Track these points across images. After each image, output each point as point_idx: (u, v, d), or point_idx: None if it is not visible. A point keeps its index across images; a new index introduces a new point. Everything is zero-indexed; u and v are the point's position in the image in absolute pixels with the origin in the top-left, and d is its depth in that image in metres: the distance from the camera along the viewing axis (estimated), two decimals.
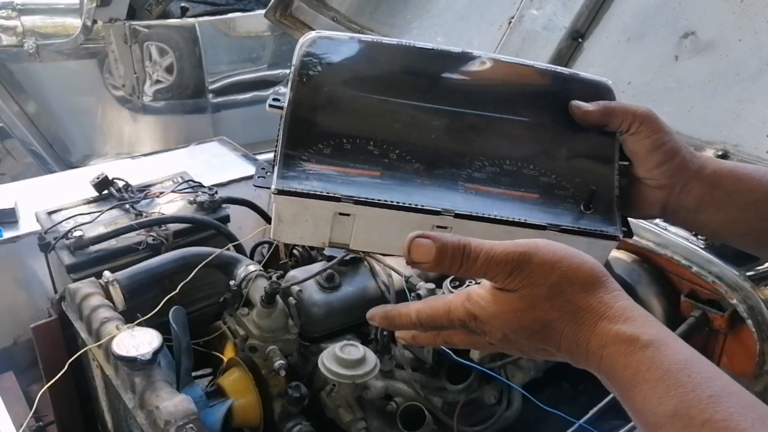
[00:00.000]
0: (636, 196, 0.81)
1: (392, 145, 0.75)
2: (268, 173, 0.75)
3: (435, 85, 0.79)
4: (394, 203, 0.72)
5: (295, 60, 0.78)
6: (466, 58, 0.81)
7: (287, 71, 0.79)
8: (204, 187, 2.04)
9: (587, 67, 1.71)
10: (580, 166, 0.79)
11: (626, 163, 0.81)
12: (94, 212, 1.86)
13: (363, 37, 0.80)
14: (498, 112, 0.79)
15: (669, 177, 0.78)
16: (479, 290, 0.65)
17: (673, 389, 0.53)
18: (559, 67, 0.84)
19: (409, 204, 0.72)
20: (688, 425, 0.52)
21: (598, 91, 0.82)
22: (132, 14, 3.91)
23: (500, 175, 0.77)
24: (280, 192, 0.71)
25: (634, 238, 1.57)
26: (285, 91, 0.77)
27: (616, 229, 0.77)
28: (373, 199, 0.72)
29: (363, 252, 1.60)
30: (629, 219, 0.81)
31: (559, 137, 0.80)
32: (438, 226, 0.74)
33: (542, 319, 0.61)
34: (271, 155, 0.78)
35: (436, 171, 0.75)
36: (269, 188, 0.73)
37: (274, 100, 0.77)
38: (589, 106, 0.78)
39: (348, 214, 0.73)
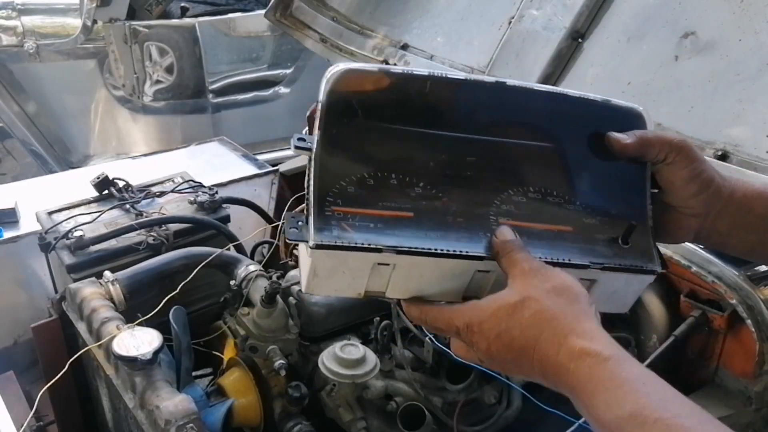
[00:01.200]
0: (670, 224, 0.81)
1: (421, 179, 0.73)
2: (300, 223, 0.70)
3: (465, 116, 0.76)
4: (438, 251, 0.70)
5: (321, 96, 0.73)
6: (497, 87, 0.78)
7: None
8: (204, 187, 2.04)
9: (587, 67, 1.71)
10: (612, 195, 0.78)
11: (656, 191, 0.80)
12: (95, 212, 1.86)
13: (392, 69, 0.75)
14: (527, 140, 0.78)
15: (704, 205, 0.78)
16: (485, 299, 0.72)
17: (629, 395, 0.62)
18: (591, 95, 0.82)
19: (453, 251, 0.70)
20: (642, 424, 0.59)
21: (630, 118, 0.81)
22: (132, 14, 3.91)
23: (532, 206, 0.75)
24: (319, 246, 0.68)
25: None
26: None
27: (655, 263, 0.77)
28: (416, 248, 0.69)
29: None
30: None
31: (590, 166, 0.79)
32: (479, 271, 0.73)
33: (524, 323, 0.68)
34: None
35: (468, 205, 0.73)
36: (306, 242, 0.68)
37: (300, 140, 0.72)
38: (626, 139, 0.78)
39: (387, 264, 0.71)
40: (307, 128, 0.76)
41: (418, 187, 0.73)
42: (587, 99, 0.81)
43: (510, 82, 0.78)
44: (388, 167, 0.72)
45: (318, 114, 0.72)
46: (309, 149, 0.71)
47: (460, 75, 0.77)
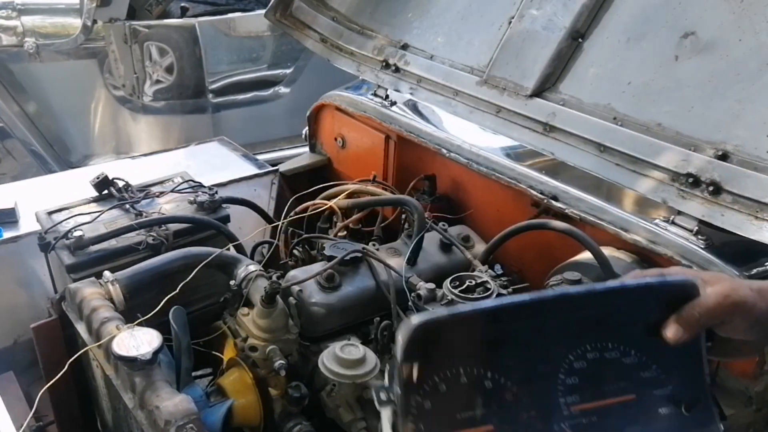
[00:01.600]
0: (734, 349, 0.87)
1: (488, 369, 0.75)
2: None
3: (531, 322, 0.79)
4: None
5: (399, 353, 0.72)
6: (561, 299, 0.79)
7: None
8: (204, 187, 2.04)
9: (587, 67, 1.71)
10: (668, 360, 0.81)
11: (709, 344, 0.84)
12: (94, 212, 1.86)
13: (461, 310, 0.76)
14: (585, 315, 0.80)
15: (765, 333, 0.82)
16: None
17: None
18: (648, 279, 0.84)
19: None
20: None
21: (684, 292, 0.83)
22: (132, 14, 3.92)
23: (593, 371, 0.78)
24: None
25: (634, 237, 1.57)
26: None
27: (717, 426, 0.81)
28: None
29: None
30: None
31: (645, 337, 0.81)
32: None
33: None
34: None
35: (537, 390, 0.76)
36: None
37: (382, 391, 0.73)
38: (683, 336, 0.80)
39: None
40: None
41: (487, 379, 0.74)
42: (646, 285, 0.83)
43: (572, 290, 0.81)
44: (455, 364, 0.74)
45: (398, 371, 0.72)
46: (393, 401, 0.72)
47: (525, 297, 0.77)
